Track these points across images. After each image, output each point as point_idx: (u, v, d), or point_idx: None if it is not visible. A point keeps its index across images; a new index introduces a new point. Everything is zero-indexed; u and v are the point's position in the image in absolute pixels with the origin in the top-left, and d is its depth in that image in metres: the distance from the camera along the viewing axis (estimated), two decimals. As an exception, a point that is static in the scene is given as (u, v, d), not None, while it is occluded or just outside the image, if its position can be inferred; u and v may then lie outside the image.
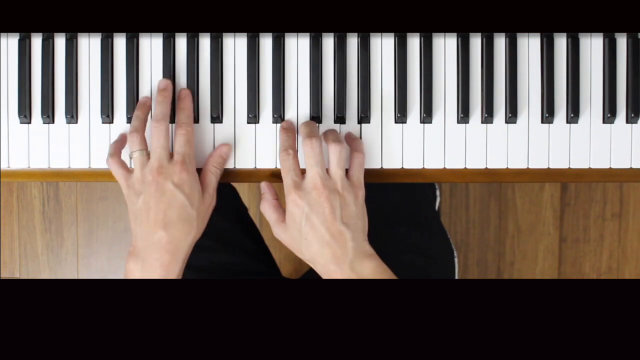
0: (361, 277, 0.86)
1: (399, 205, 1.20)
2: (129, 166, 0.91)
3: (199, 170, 0.92)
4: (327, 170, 0.88)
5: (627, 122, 0.94)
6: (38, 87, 0.93)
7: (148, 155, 0.88)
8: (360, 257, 0.86)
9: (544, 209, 1.77)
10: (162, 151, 0.88)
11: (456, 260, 1.23)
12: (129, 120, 0.93)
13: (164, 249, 0.86)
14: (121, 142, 0.92)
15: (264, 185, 0.92)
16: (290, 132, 0.91)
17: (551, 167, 0.94)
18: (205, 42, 0.94)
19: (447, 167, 0.94)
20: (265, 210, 0.91)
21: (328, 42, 0.94)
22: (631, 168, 0.94)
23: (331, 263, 0.86)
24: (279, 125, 0.94)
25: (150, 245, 0.87)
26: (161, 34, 0.93)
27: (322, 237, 0.86)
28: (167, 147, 0.88)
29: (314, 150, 0.87)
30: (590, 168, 0.94)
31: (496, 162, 0.94)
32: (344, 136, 0.93)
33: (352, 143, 0.91)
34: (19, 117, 0.93)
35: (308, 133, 0.89)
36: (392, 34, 0.94)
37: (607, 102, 0.94)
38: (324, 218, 0.86)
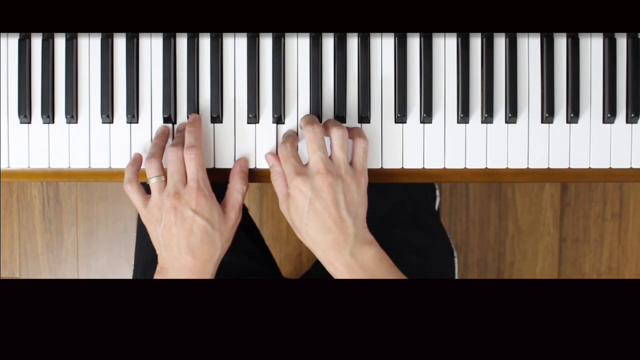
0: (361, 263, 0.86)
1: (398, 205, 1.20)
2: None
3: (215, 185, 0.92)
4: (330, 157, 0.88)
5: (627, 122, 0.94)
6: (38, 87, 0.93)
7: (165, 182, 0.89)
8: (360, 244, 0.87)
9: (544, 209, 1.77)
10: (177, 176, 0.88)
11: (456, 260, 1.23)
12: (129, 120, 0.93)
13: (191, 271, 0.89)
14: (136, 164, 0.92)
15: (269, 156, 0.92)
16: (290, 135, 0.92)
17: (551, 167, 0.94)
18: (205, 42, 0.94)
19: (447, 167, 0.94)
20: (276, 181, 0.90)
21: (328, 42, 0.94)
22: (631, 168, 0.94)
23: (331, 249, 0.86)
24: (279, 125, 0.94)
25: (178, 268, 0.89)
26: (161, 34, 0.93)
27: (324, 224, 0.86)
28: (182, 172, 0.89)
29: (316, 135, 0.87)
30: (590, 168, 0.94)
31: (496, 162, 0.94)
32: None
33: (354, 130, 0.91)
34: (19, 117, 0.93)
35: (309, 121, 0.89)
36: (392, 34, 0.94)
37: (607, 102, 0.94)
38: (327, 204, 0.86)
